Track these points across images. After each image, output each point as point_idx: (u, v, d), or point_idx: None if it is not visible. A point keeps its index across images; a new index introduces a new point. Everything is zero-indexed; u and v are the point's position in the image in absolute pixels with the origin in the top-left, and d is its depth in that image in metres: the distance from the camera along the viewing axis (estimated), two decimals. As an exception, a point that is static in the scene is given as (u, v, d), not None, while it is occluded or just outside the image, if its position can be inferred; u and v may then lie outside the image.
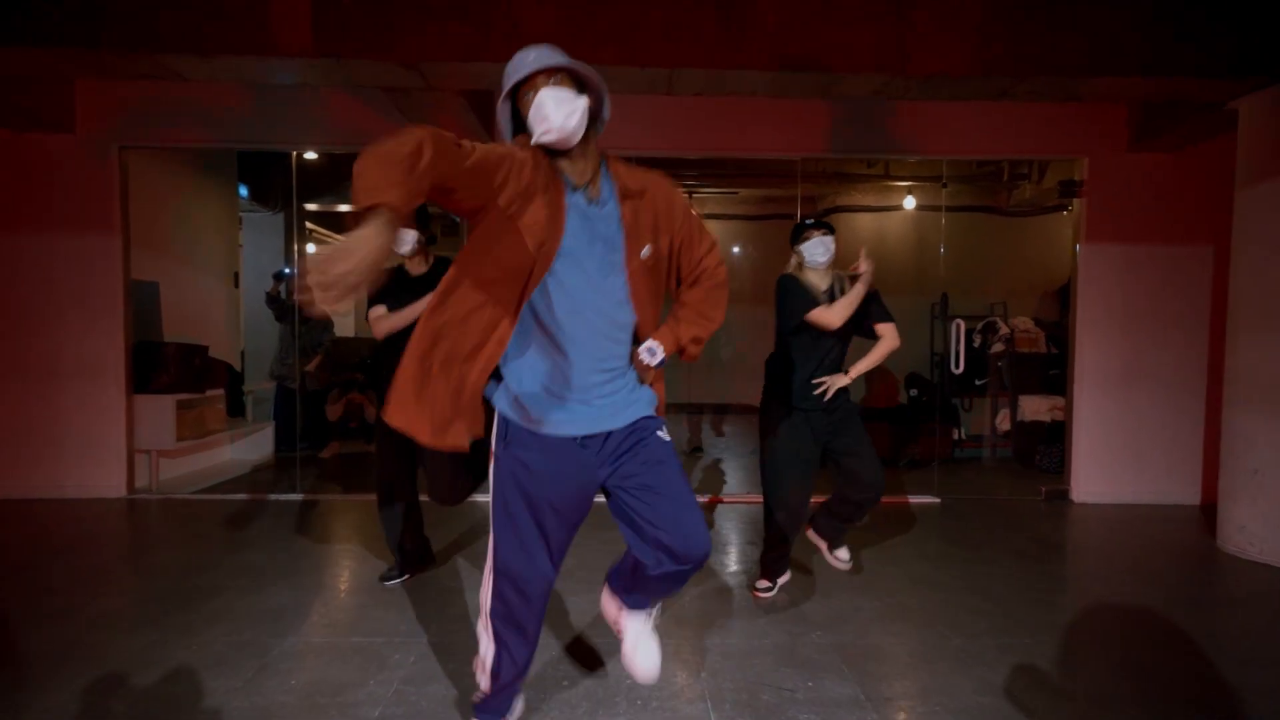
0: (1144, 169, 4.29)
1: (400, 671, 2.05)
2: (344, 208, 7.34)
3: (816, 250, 2.48)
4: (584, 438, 1.45)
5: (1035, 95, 3.38)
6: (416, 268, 2.71)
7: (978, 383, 6.07)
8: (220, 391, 5.05)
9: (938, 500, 4.35)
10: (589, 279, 1.39)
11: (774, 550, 2.61)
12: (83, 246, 4.17)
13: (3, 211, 4.11)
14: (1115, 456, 4.36)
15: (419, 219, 2.70)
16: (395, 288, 2.64)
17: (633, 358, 1.50)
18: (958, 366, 4.46)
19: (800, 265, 2.54)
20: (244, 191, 6.03)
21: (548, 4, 3.01)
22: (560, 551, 1.52)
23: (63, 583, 2.77)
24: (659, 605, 1.71)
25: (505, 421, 1.48)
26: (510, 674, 1.56)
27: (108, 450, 4.21)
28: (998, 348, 5.98)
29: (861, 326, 2.55)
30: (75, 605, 2.52)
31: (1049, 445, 5.46)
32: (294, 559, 3.09)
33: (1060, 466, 4.99)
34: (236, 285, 5.85)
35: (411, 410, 1.37)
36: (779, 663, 2.14)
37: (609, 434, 1.46)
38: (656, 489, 1.44)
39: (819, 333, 2.45)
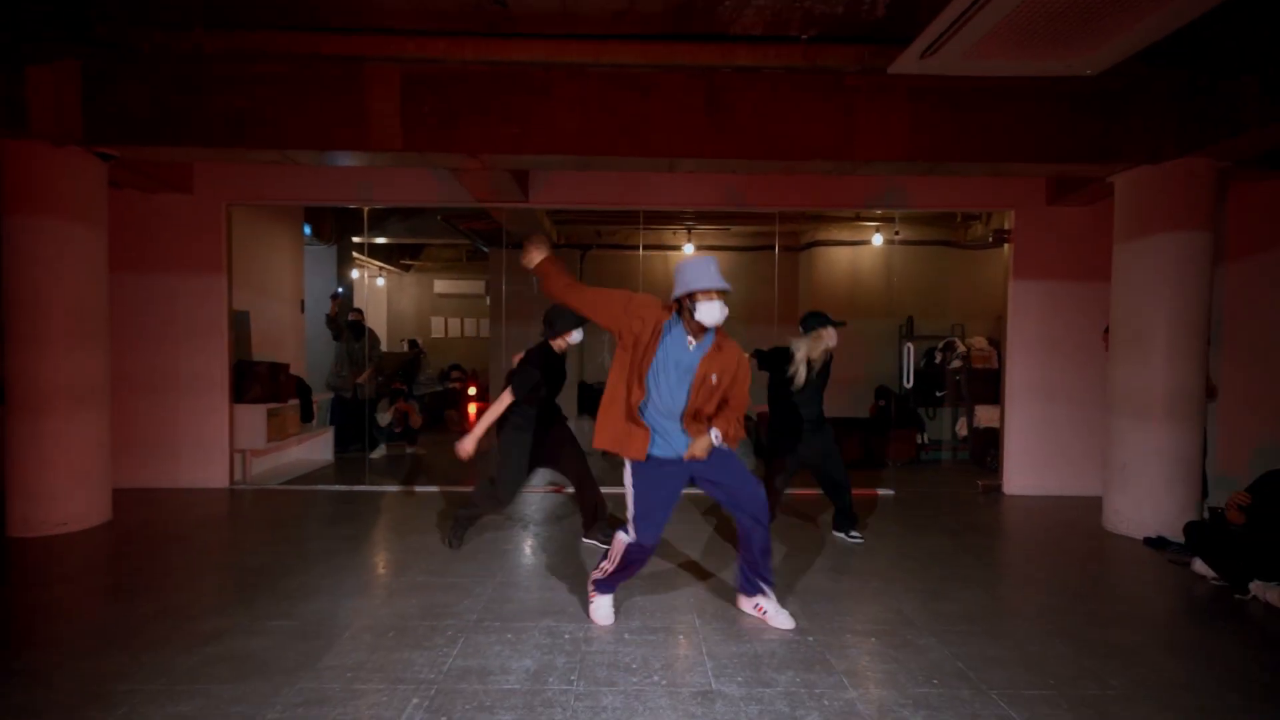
0: (1062, 218, 5.23)
1: (484, 598, 2.99)
2: (382, 240, 8.36)
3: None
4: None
5: (957, 173, 4.33)
6: (560, 349, 3.61)
7: (938, 394, 7.00)
8: (295, 401, 6.02)
9: (892, 493, 5.27)
10: (669, 380, 2.61)
11: None
12: (196, 284, 5.15)
13: (132, 255, 5.10)
14: (1040, 456, 5.27)
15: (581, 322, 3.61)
16: (548, 367, 3.57)
17: (704, 432, 2.64)
18: (908, 382, 5.38)
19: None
20: (308, 230, 7.03)
21: (575, 110, 3.97)
22: (665, 509, 2.67)
23: (218, 547, 3.72)
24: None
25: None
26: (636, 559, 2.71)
27: (214, 449, 5.18)
28: (956, 364, 6.91)
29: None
30: (234, 559, 3.48)
31: (998, 448, 6.37)
32: (379, 532, 4.04)
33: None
34: (302, 310, 6.84)
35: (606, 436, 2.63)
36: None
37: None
38: (721, 473, 2.69)
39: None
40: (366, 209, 5.63)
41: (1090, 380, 5.23)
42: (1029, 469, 5.29)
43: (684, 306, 2.55)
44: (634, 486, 2.65)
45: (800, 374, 3.73)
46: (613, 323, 2.59)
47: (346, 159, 4.18)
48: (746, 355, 2.72)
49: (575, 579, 3.21)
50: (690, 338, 2.58)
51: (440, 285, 10.49)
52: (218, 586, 3.11)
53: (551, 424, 3.67)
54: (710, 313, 2.52)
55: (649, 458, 2.61)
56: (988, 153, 4.03)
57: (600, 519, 3.72)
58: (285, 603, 2.90)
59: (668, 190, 5.23)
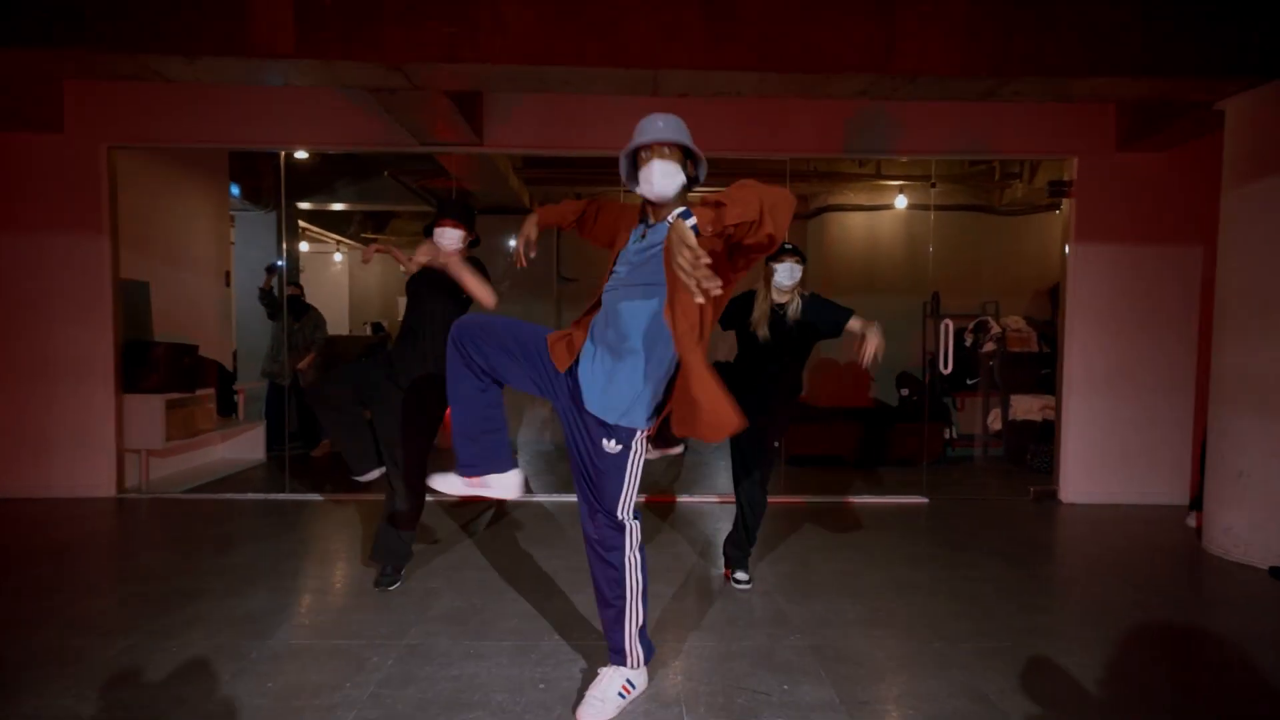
0: (1133, 168, 4.28)
1: (378, 674, 2.05)
2: (337, 206, 7.34)
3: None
4: None
5: (1022, 95, 3.36)
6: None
7: (969, 382, 6.07)
8: (210, 391, 5.05)
9: (925, 500, 4.36)
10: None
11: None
12: (71, 245, 4.16)
13: (-10, 211, 4.11)
14: (1104, 457, 4.36)
15: (465, 217, 2.70)
16: (423, 281, 2.69)
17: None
18: (946, 366, 4.45)
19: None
20: (235, 191, 6.01)
21: (530, 3, 2.99)
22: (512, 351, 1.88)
23: (44, 584, 2.77)
24: None
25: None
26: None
27: (97, 449, 4.21)
28: (989, 347, 5.98)
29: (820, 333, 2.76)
30: (54, 608, 2.53)
31: (1040, 444, 5.47)
32: (278, 560, 3.09)
33: (1051, 466, 5.00)
34: (228, 284, 5.84)
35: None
36: (755, 665, 2.14)
37: None
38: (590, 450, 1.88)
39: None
40: (282, 154, 4.63)
41: (1168, 364, 4.31)
42: (1091, 472, 4.38)
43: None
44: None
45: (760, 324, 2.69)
46: (606, 220, 2.10)
47: (227, 72, 3.18)
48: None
49: (519, 645, 2.28)
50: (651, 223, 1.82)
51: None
52: (4, 659, 2.16)
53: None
54: (646, 177, 1.76)
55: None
56: (1071, 62, 3.07)
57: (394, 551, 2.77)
58: (78, 686, 1.95)
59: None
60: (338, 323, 8.73)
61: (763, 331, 2.69)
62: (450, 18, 2.98)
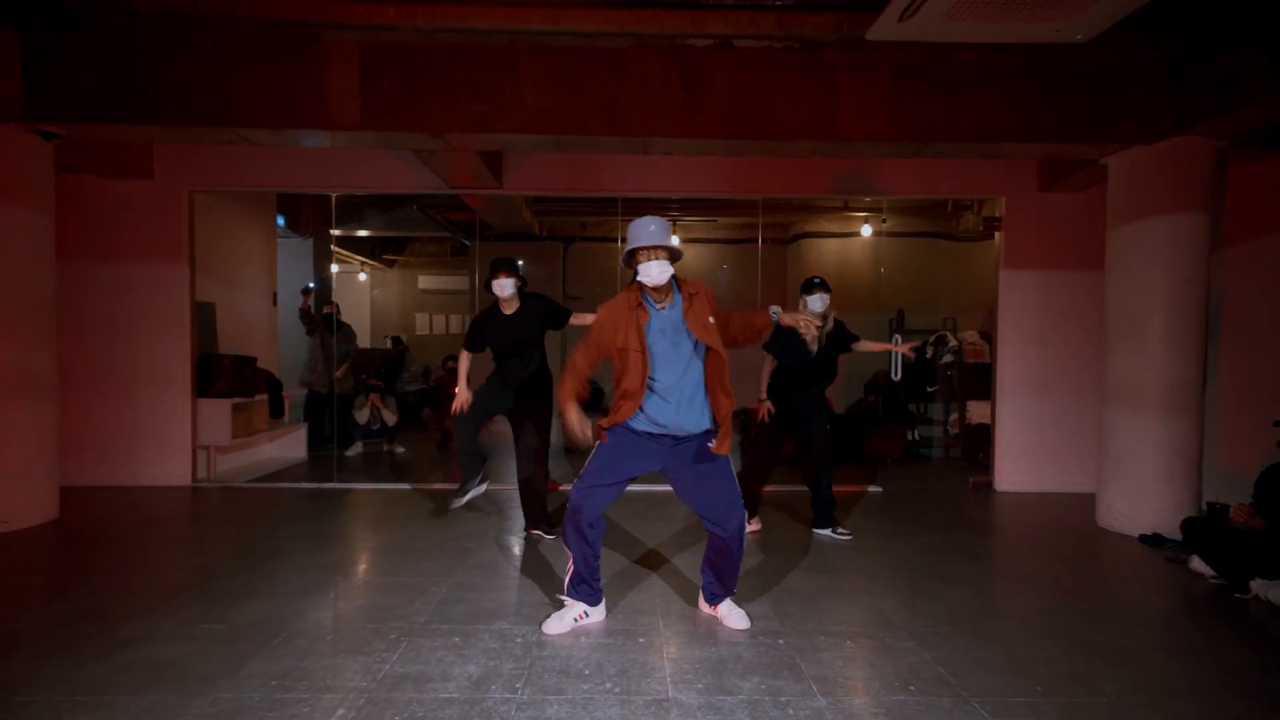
0: (1054, 206, 5.05)
1: (436, 598, 2.79)
2: (363, 233, 8.17)
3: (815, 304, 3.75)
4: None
5: (944, 154, 4.15)
6: (509, 308, 3.51)
7: (929, 389, 6.82)
8: (264, 396, 5.82)
9: (880, 489, 5.09)
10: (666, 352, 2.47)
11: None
12: (157, 273, 4.95)
13: (91, 243, 4.90)
14: (1032, 451, 5.09)
15: (515, 269, 3.51)
16: (491, 324, 3.52)
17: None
18: (896, 375, 5.20)
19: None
20: (281, 221, 6.83)
21: (545, 86, 3.79)
22: (619, 476, 2.54)
23: (164, 545, 3.52)
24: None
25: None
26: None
27: (176, 445, 4.98)
28: (947, 358, 6.73)
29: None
30: (177, 560, 3.28)
31: (991, 443, 6.19)
32: (338, 530, 3.84)
33: (993, 462, 5.72)
34: (274, 303, 6.63)
35: None
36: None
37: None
38: (703, 479, 2.53)
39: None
40: (334, 196, 5.44)
41: (1084, 372, 5.05)
42: (1021, 464, 5.11)
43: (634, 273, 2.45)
44: (601, 447, 2.50)
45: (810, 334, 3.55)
46: (601, 354, 2.51)
47: (303, 139, 3.98)
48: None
49: (540, 579, 3.02)
50: (658, 304, 2.45)
51: (425, 281, 10.28)
52: (151, 588, 2.91)
53: (521, 390, 3.56)
54: (648, 272, 2.37)
55: (631, 430, 2.47)
56: (976, 133, 3.85)
57: (538, 511, 3.64)
58: (220, 605, 2.70)
59: (646, 176, 5.04)
60: (360, 336, 9.53)
61: (815, 347, 3.68)
62: (482, 99, 3.78)
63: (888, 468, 5.99)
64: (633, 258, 2.41)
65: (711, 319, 2.44)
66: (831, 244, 7.23)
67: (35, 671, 2.16)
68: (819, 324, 3.57)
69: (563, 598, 2.57)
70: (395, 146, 4.18)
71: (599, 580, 2.59)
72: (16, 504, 3.76)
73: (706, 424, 2.48)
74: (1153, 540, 3.72)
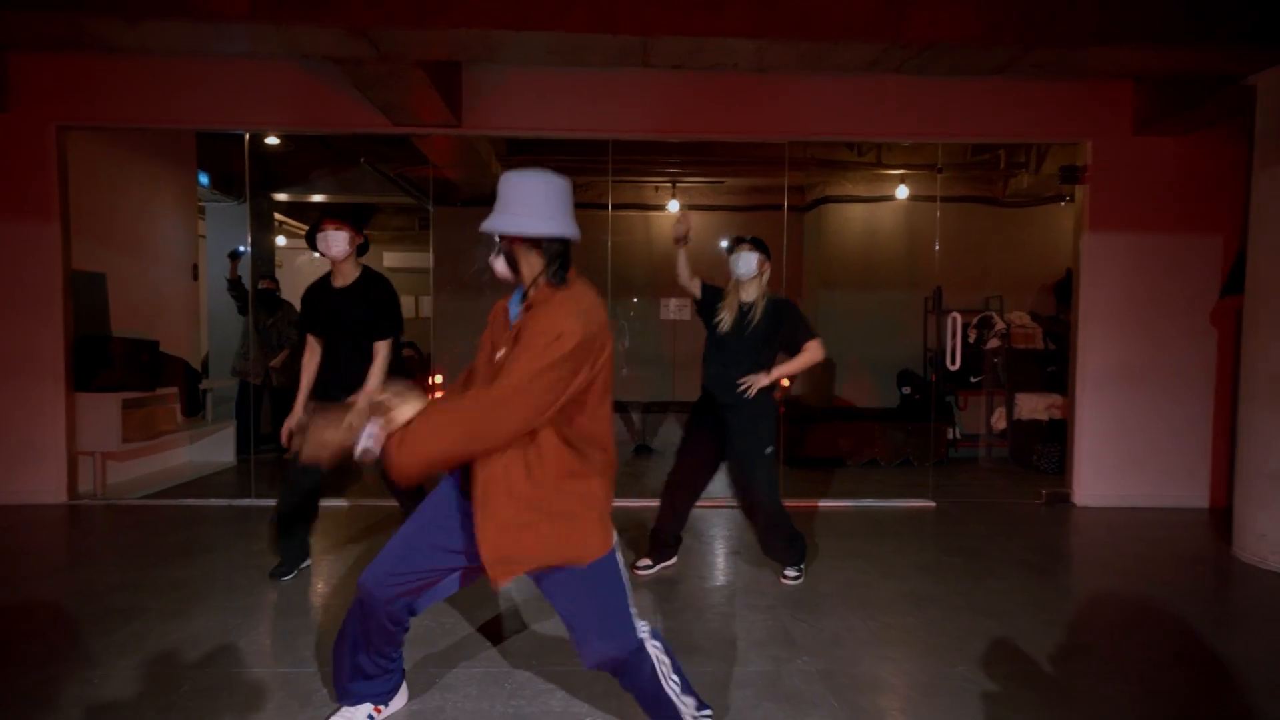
0: (1151, 153, 4.06)
1: (326, 709, 1.78)
2: (316, 198, 7.05)
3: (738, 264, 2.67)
4: None
5: (1039, 69, 3.14)
6: (341, 278, 2.57)
7: (973, 380, 5.85)
8: (173, 390, 4.76)
9: (933, 504, 4.12)
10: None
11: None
12: (18, 233, 3.86)
13: (-72, 195, 3.80)
14: (1119, 458, 4.14)
15: (355, 221, 2.56)
16: (319, 307, 2.55)
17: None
18: (954, 363, 4.22)
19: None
20: (204, 179, 5.71)
21: (509, -38, 2.73)
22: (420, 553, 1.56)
23: (-35, 603, 2.48)
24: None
25: None
26: None
27: (45, 452, 3.91)
28: (993, 343, 5.77)
29: (786, 344, 2.67)
30: (-29, 630, 2.24)
31: (1047, 444, 5.26)
32: (230, 573, 2.81)
33: (1059, 466, 4.78)
34: (196, 278, 5.53)
35: None
36: (760, 695, 1.89)
37: None
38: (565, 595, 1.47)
39: (721, 337, 2.69)
40: (248, 137, 4.35)
41: (1190, 358, 4.09)
42: (1106, 473, 4.15)
43: None
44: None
45: (725, 317, 2.66)
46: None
47: (176, 39, 2.90)
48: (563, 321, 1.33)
49: (493, 675, 2.02)
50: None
51: (390, 258, 9.16)
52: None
53: None
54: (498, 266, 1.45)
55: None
56: (1100, 28, 2.83)
57: None
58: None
59: (642, 112, 3.98)
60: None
61: (725, 322, 2.66)
62: (420, -23, 2.72)
63: (929, 473, 5.02)
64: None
65: (500, 354, 1.42)
66: (857, 210, 6.20)
67: None
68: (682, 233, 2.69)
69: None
70: (307, 53, 3.11)
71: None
72: None
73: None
74: (1333, 585, 2.78)
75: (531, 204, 1.38)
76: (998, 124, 4.08)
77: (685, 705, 1.49)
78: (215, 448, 5.19)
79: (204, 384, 5.26)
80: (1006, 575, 2.90)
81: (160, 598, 2.52)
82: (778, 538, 2.68)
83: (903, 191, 5.96)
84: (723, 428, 2.66)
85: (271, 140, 5.35)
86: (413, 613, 1.59)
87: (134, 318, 4.70)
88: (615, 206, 5.88)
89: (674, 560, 2.90)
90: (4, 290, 3.86)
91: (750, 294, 2.67)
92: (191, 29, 2.79)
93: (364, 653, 1.62)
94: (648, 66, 3.13)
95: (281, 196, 6.79)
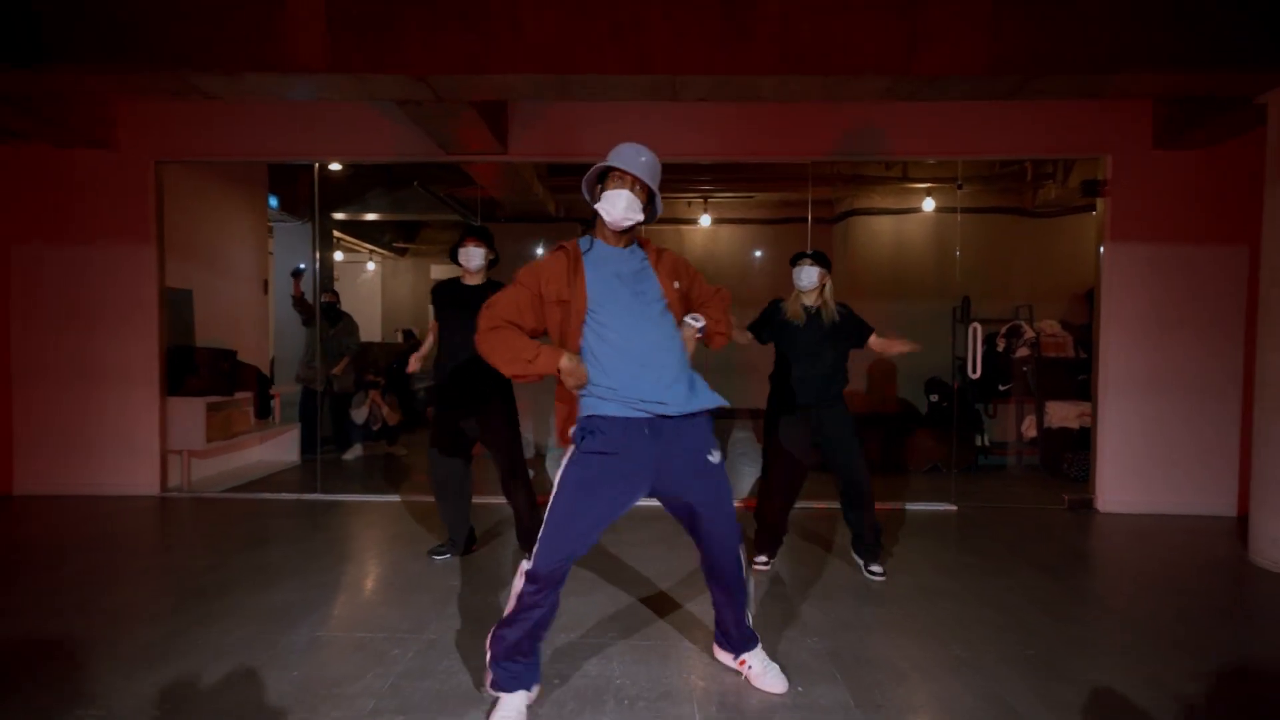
0: (1172, 166, 4.14)
1: (398, 666, 2.10)
2: (370, 216, 7.58)
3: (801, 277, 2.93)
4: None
5: (1051, 94, 3.30)
6: (472, 280, 3.04)
7: (1002, 388, 5.92)
8: (249, 394, 5.24)
9: (954, 508, 4.25)
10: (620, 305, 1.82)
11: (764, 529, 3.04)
12: (120, 256, 4.38)
13: (45, 222, 4.35)
14: (1144, 464, 4.20)
15: (487, 238, 3.01)
16: (449, 298, 3.01)
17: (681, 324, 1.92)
18: (975, 371, 4.35)
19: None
20: (274, 202, 6.25)
21: (547, 9, 3.06)
22: (592, 522, 1.79)
23: (90, 575, 2.91)
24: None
25: None
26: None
27: (142, 450, 4.40)
28: (1023, 352, 5.83)
29: (854, 341, 2.96)
30: (95, 597, 2.65)
31: (1077, 452, 5.29)
32: (307, 558, 3.18)
33: (1088, 474, 4.83)
34: (266, 292, 6.05)
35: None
36: (772, 668, 2.12)
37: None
38: (697, 487, 1.91)
39: (796, 347, 2.94)
40: (317, 166, 4.81)
41: (1209, 367, 4.14)
42: (1128, 480, 4.22)
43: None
44: (562, 483, 1.76)
45: (795, 326, 2.93)
46: (532, 314, 1.82)
47: (264, 87, 3.32)
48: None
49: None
50: (618, 245, 1.88)
51: (438, 270, 9.68)
52: (49, 644, 2.27)
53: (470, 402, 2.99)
54: (613, 202, 1.78)
55: (596, 434, 1.74)
56: (1100, 59, 3.00)
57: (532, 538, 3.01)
58: (116, 675, 2.05)
59: (675, 135, 4.27)
60: (371, 330, 8.99)
61: (797, 331, 2.92)
62: (472, 30, 3.07)
63: (956, 480, 5.13)
64: (600, 185, 1.84)
65: (677, 284, 1.90)
66: (885, 222, 6.36)
67: None
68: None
69: (490, 692, 1.80)
70: (375, 98, 3.50)
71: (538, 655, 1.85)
72: (-67, 522, 3.20)
73: (703, 402, 1.83)
74: (1344, 589, 2.84)
75: (654, 172, 1.83)
76: (1017, 140, 4.22)
77: None
78: (282, 448, 5.66)
79: (272, 390, 5.73)
80: (1017, 574, 3.05)
81: (248, 576, 2.91)
82: (870, 525, 2.91)
83: (929, 204, 6.09)
84: (807, 430, 2.90)
85: (334, 166, 5.83)
86: None
87: (214, 329, 5.22)
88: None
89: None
90: (108, 306, 4.38)
91: (812, 300, 2.94)
92: (279, 80, 3.21)
93: (535, 640, 1.76)
94: (677, 99, 3.42)
95: (339, 215, 7.33)
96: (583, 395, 1.78)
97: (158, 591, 2.74)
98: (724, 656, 2.08)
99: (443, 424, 3.04)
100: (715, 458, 1.85)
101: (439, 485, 3.09)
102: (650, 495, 1.84)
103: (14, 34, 3.06)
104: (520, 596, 1.73)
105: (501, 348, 1.74)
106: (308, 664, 2.12)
